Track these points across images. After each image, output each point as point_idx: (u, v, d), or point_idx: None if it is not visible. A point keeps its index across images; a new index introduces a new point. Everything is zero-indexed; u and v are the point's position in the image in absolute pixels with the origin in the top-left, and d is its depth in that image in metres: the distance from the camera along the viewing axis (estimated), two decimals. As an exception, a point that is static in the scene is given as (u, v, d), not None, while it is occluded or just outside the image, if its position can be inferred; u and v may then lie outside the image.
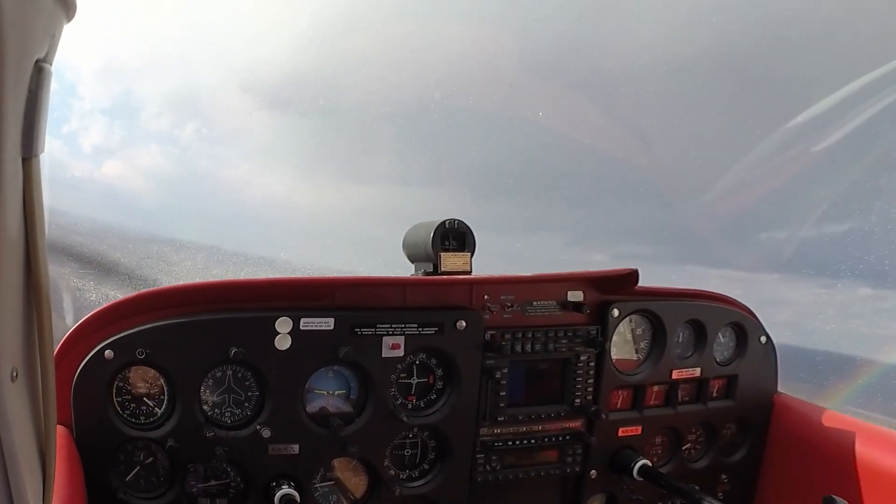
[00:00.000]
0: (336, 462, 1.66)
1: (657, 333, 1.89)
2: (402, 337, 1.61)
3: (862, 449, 1.75)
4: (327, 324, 1.54)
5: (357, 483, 1.70)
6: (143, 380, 1.49)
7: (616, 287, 1.81)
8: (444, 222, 1.74)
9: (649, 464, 1.84)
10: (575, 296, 1.80)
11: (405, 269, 1.83)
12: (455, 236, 1.75)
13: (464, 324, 1.66)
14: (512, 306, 1.76)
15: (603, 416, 1.80)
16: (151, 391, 1.49)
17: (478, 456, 1.74)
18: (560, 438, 1.81)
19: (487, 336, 1.70)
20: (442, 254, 1.72)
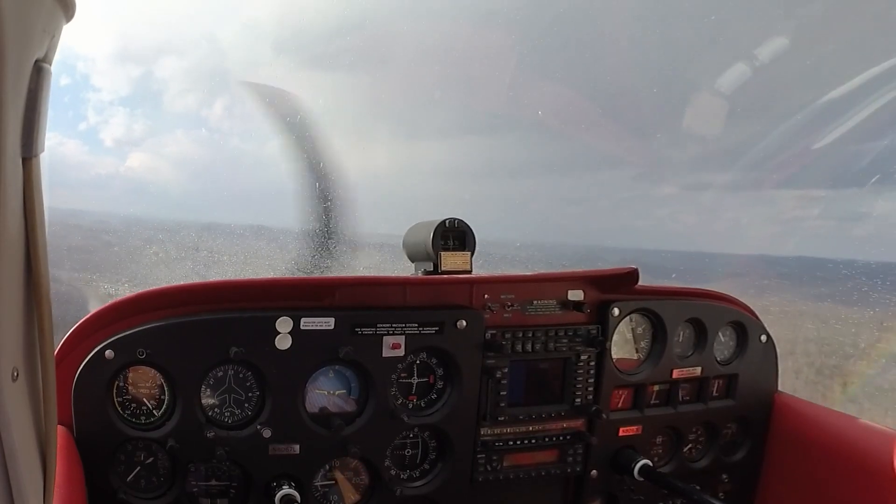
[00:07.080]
0: (337, 462, 1.67)
1: (657, 333, 1.89)
2: (403, 336, 1.61)
3: (863, 448, 1.75)
4: (328, 323, 1.54)
5: (358, 483, 1.70)
6: (143, 380, 1.49)
7: (616, 286, 1.81)
8: (444, 221, 1.74)
9: (650, 464, 1.84)
10: (575, 295, 1.80)
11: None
12: (455, 235, 1.75)
13: (464, 323, 1.66)
14: (512, 305, 1.76)
15: (603, 415, 1.80)
16: (152, 391, 1.49)
17: (478, 456, 1.74)
18: (560, 438, 1.81)
19: (488, 335, 1.70)
20: (442, 253, 1.73)
